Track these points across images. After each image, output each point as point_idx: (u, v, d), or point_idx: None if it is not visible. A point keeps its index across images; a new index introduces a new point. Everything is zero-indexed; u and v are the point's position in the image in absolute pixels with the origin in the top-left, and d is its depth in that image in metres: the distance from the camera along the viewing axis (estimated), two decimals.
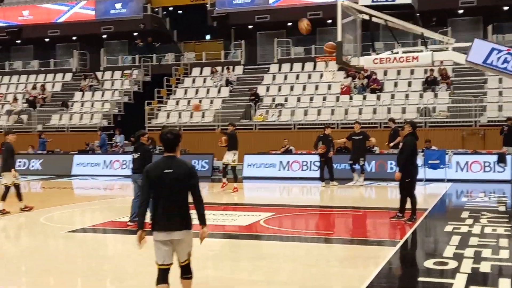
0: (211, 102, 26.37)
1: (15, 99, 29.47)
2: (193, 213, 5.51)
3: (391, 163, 18.32)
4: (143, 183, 5.46)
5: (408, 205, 10.75)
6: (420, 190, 16.58)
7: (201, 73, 29.44)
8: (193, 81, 28.73)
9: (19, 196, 12.77)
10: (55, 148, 25.17)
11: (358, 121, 17.72)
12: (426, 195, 16.05)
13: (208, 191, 16.32)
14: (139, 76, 30.23)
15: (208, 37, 34.02)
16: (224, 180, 16.20)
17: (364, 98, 24.07)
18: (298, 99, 25.08)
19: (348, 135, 17.07)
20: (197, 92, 27.62)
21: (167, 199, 5.35)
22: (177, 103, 26.98)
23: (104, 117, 27.26)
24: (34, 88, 30.27)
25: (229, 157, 15.88)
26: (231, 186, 16.15)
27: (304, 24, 12.53)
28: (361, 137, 16.79)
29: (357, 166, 17.13)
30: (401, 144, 10.86)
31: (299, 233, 10.22)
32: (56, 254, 9.00)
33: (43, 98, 29.38)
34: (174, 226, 5.37)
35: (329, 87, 25.37)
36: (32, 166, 23.00)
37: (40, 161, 23.12)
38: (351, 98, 24.28)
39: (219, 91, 27.28)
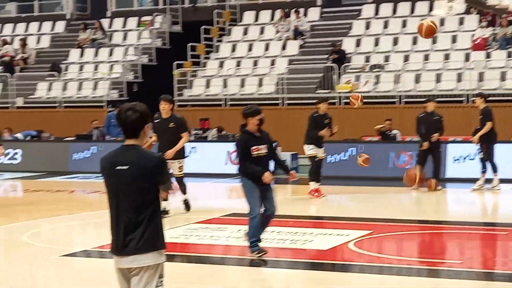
0: (272, 63, 26.40)
1: None
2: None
3: None
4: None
5: None
6: None
7: (256, 20, 29.45)
8: (245, 32, 28.78)
9: None
10: (44, 133, 25.80)
11: None
12: None
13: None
14: (164, 26, 30.50)
15: None
16: (313, 184, 16.37)
17: (510, 56, 23.58)
18: (406, 59, 24.80)
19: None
20: (250, 48, 27.67)
21: (119, 208, 5.43)
22: (221, 65, 27.12)
23: (113, 87, 27.71)
24: (9, 43, 31.04)
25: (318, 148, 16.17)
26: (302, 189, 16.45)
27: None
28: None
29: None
30: None
31: (408, 262, 10.17)
32: None
33: (24, 58, 30.11)
34: (129, 249, 5.39)
35: (454, 40, 24.97)
36: (9, 159, 23.65)
37: (20, 152, 23.73)
38: (488, 56, 23.84)
39: (284, 47, 27.25)
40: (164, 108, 13.34)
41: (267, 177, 9.71)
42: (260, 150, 9.86)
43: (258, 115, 9.91)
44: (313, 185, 16.33)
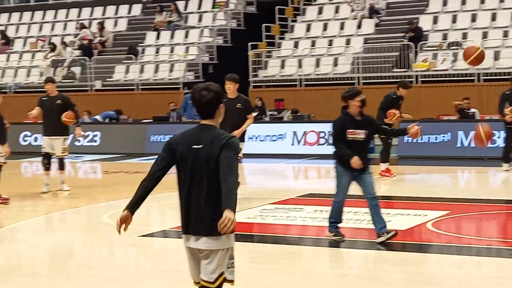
0: (348, 42, 26.24)
1: (63, 44, 30.86)
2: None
3: None
4: (159, 155, 5.71)
5: None
6: None
7: None
8: (320, 12, 28.64)
9: None
10: (122, 114, 26.22)
11: None
12: None
13: None
14: (239, 6, 30.54)
15: None
16: (384, 165, 16.37)
17: None
18: (484, 35, 24.34)
19: None
20: (325, 28, 27.53)
21: (193, 188, 5.47)
22: (296, 45, 27.07)
23: (189, 68, 27.92)
24: (87, 27, 31.53)
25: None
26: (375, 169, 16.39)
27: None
28: None
29: None
30: None
31: (488, 243, 10.07)
32: (124, 270, 9.40)
33: (102, 42, 30.56)
34: (200, 230, 5.43)
35: None
36: (89, 141, 24.09)
37: (99, 134, 24.14)
38: None
39: (359, 26, 27.04)
40: (230, 88, 12.76)
41: (355, 161, 9.46)
42: (357, 134, 9.62)
43: (358, 96, 9.66)
44: (383, 165, 16.23)
